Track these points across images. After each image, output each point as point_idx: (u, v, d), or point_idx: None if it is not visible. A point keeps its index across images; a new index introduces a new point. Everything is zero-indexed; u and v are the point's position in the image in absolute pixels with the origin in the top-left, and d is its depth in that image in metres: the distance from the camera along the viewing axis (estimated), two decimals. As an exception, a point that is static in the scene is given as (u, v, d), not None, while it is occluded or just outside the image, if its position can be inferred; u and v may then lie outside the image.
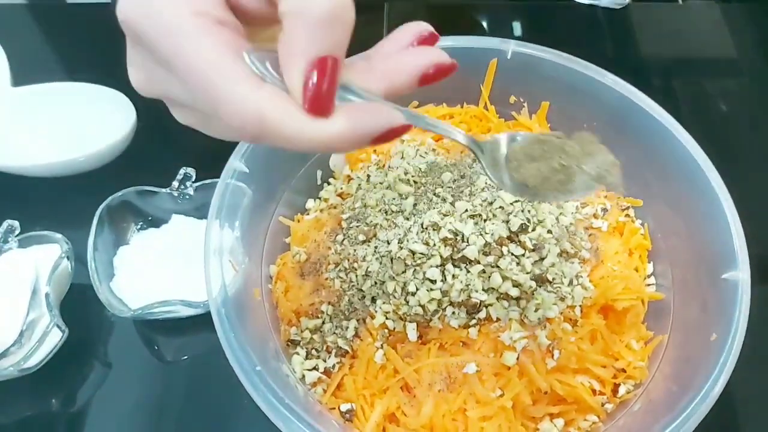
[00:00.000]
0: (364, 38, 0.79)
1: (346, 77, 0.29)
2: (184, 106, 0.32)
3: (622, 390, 0.50)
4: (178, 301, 0.54)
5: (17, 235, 0.59)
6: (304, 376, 0.50)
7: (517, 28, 0.87)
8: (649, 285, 0.55)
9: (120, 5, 0.28)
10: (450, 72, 0.31)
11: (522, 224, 0.50)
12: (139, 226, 0.62)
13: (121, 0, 0.28)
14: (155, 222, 0.62)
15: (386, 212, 0.54)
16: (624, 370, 0.50)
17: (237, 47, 0.27)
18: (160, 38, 0.27)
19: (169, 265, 0.59)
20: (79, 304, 0.59)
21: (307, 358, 0.51)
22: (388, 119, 0.28)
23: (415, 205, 0.54)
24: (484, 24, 0.87)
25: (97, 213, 0.58)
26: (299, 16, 0.26)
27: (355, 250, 0.53)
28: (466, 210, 0.52)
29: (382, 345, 0.49)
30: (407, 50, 0.31)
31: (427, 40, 0.32)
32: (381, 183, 0.56)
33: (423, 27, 0.32)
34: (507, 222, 0.51)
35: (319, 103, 0.27)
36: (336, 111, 0.28)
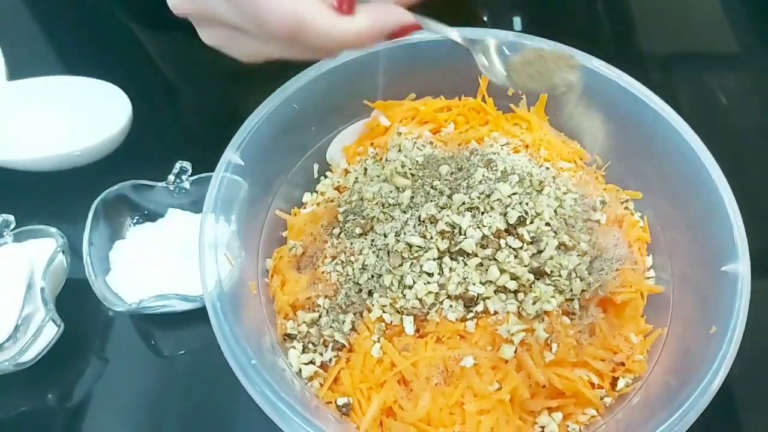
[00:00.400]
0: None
1: None
2: (218, 22, 0.36)
3: (620, 383, 0.49)
4: (174, 296, 0.54)
5: (12, 230, 0.58)
6: (300, 370, 0.50)
7: (516, 21, 0.86)
8: (648, 278, 0.55)
9: None
10: None
11: (520, 217, 0.50)
12: (135, 220, 0.62)
13: None
14: (151, 216, 0.62)
15: (383, 205, 0.53)
16: (623, 364, 0.50)
17: None
18: None
19: (165, 259, 0.59)
20: (75, 299, 0.58)
21: (303, 351, 0.50)
22: (401, 17, 0.34)
23: (412, 198, 0.53)
24: (484, 15, 0.87)
25: (93, 207, 0.58)
26: None
27: (351, 244, 0.52)
28: (464, 203, 0.51)
29: (379, 338, 0.49)
30: None
31: None
32: (378, 176, 0.56)
33: None
34: (505, 214, 0.51)
35: (347, 3, 0.32)
36: (358, 11, 0.33)
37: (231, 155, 0.51)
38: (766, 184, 0.69)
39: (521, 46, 0.56)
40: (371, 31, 0.33)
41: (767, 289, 0.50)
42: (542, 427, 0.48)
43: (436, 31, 0.40)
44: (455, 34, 0.41)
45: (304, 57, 0.36)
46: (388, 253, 0.50)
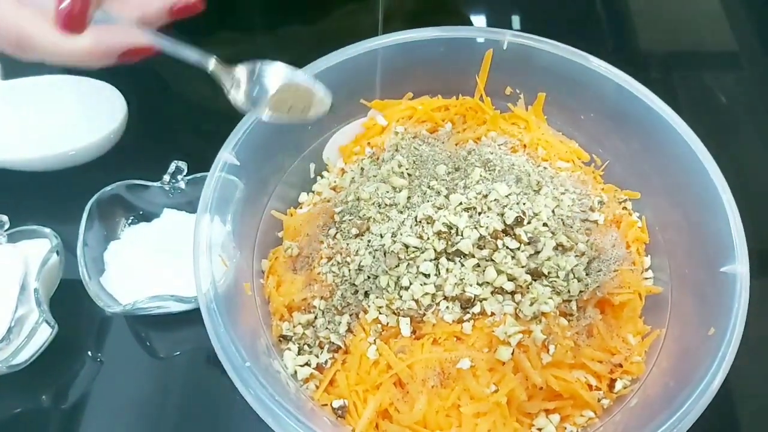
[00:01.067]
0: (358, 28, 0.78)
1: (107, 4, 0.35)
2: None
3: (618, 385, 0.49)
4: (169, 297, 0.53)
5: (6, 230, 0.58)
6: (296, 372, 0.49)
7: (515, 19, 0.86)
8: (646, 279, 0.55)
9: None
10: (194, 10, 0.38)
11: (517, 217, 0.50)
12: (129, 221, 0.61)
13: None
14: (146, 216, 0.61)
15: (379, 205, 0.53)
16: (621, 365, 0.49)
17: None
18: None
19: (160, 260, 0.58)
20: (70, 300, 0.58)
21: (299, 353, 0.50)
22: (131, 38, 0.35)
23: (408, 198, 0.53)
24: (482, 14, 0.86)
25: (87, 207, 0.57)
26: None
27: (348, 244, 0.52)
28: (461, 203, 0.51)
29: (375, 340, 0.48)
30: None
31: None
32: (375, 176, 0.55)
33: None
34: (502, 215, 0.50)
35: (69, 22, 0.33)
36: (88, 30, 0.33)
37: (226, 155, 0.51)
38: (765, 185, 0.68)
39: (522, 47, 0.56)
40: (96, 51, 0.34)
41: (766, 290, 0.50)
42: (539, 430, 0.47)
43: (181, 55, 0.39)
44: (211, 62, 0.41)
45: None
46: (385, 253, 0.50)
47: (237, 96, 0.44)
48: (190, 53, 0.40)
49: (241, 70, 0.44)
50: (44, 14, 0.33)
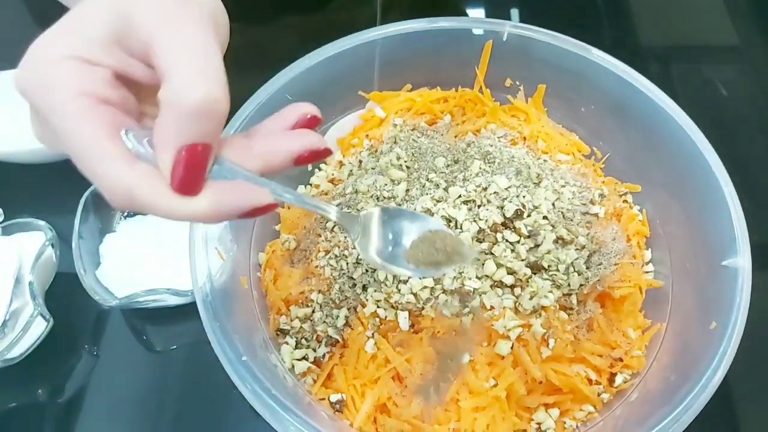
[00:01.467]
0: (356, 19, 0.77)
1: (225, 153, 0.31)
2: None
3: (618, 379, 0.48)
4: (165, 290, 0.53)
5: (0, 223, 0.57)
6: (293, 366, 0.49)
7: (514, 13, 0.85)
8: (647, 272, 0.54)
9: (19, 75, 0.29)
10: (324, 156, 0.34)
11: (517, 210, 0.49)
12: (125, 214, 0.61)
13: (22, 68, 0.29)
14: None
15: (378, 198, 0.52)
16: (621, 360, 0.49)
17: (116, 125, 0.29)
18: (48, 115, 0.29)
19: (156, 253, 0.58)
20: (66, 293, 0.57)
21: (296, 347, 0.50)
22: (253, 199, 0.30)
23: (407, 191, 0.52)
24: (481, 8, 0.86)
25: (82, 199, 0.57)
26: (172, 106, 0.28)
27: (345, 237, 0.51)
28: (460, 196, 0.50)
29: (373, 334, 0.48)
30: (286, 133, 0.33)
31: (309, 123, 0.34)
32: (373, 168, 0.55)
33: (306, 109, 0.34)
34: (502, 208, 0.50)
35: (185, 185, 0.29)
36: (205, 188, 0.30)
37: (222, 147, 0.50)
38: (766, 180, 0.68)
39: (522, 38, 0.55)
40: (215, 213, 0.30)
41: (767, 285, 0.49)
42: (539, 424, 0.47)
43: (306, 206, 0.36)
44: (333, 213, 0.38)
45: None
46: (383, 247, 0.49)
47: (368, 251, 0.40)
48: (314, 204, 0.37)
49: (367, 217, 0.40)
50: (159, 175, 0.29)
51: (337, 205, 0.54)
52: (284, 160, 0.33)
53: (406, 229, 0.41)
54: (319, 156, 0.34)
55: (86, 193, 0.57)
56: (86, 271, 0.55)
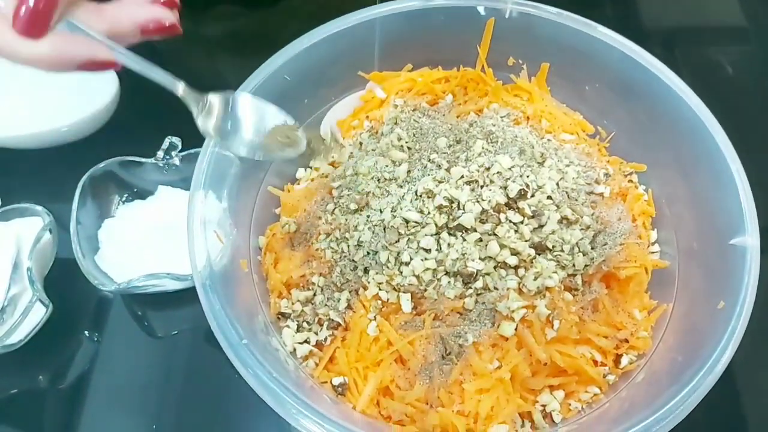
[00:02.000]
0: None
1: (77, 13, 0.35)
2: None
3: (624, 361, 0.48)
4: (165, 275, 0.52)
5: (-3, 208, 0.57)
6: (295, 349, 0.48)
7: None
8: (652, 252, 0.53)
9: None
10: (169, 32, 0.37)
11: (521, 190, 0.48)
12: (124, 198, 0.60)
13: None
14: (141, 194, 0.60)
15: (379, 180, 0.51)
16: (626, 341, 0.48)
17: None
18: None
19: (155, 237, 0.57)
20: (65, 279, 0.57)
21: (298, 331, 0.49)
22: (91, 51, 0.35)
23: (408, 172, 0.51)
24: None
25: (80, 185, 0.56)
26: None
27: (346, 220, 0.50)
28: (462, 176, 0.49)
29: (375, 317, 0.47)
30: (137, 3, 0.37)
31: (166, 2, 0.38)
32: (373, 150, 0.54)
33: None
34: (505, 188, 0.49)
35: (27, 27, 0.32)
36: (48, 36, 0.33)
37: (220, 129, 0.49)
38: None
39: (525, 16, 0.54)
40: (54, 58, 0.33)
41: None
42: (543, 406, 0.47)
43: (149, 75, 0.38)
44: (180, 87, 0.40)
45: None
46: (384, 229, 0.48)
47: (207, 124, 0.42)
48: (157, 74, 0.38)
49: (214, 99, 0.42)
50: (4, 16, 0.33)
51: (337, 187, 0.53)
52: (129, 27, 0.36)
53: (263, 121, 0.45)
54: (163, 30, 0.37)
55: (83, 179, 0.56)
56: (85, 256, 0.54)
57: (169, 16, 0.38)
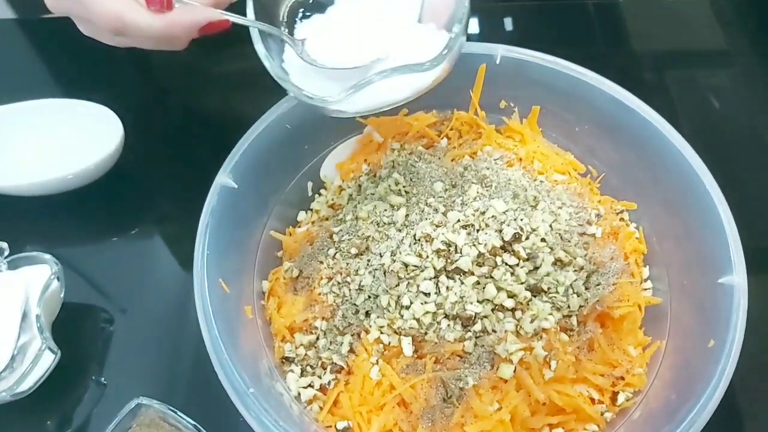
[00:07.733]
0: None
1: None
2: (81, 18, 0.46)
3: (621, 398, 0.49)
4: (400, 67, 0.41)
5: (6, 257, 0.58)
6: (299, 393, 0.49)
7: (508, 23, 0.86)
8: (645, 289, 0.55)
9: None
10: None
11: (515, 233, 0.50)
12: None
13: None
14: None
15: (378, 224, 0.53)
16: (622, 378, 0.50)
17: None
18: None
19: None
20: (72, 323, 0.58)
21: (302, 375, 0.50)
22: (208, 14, 0.43)
23: (407, 216, 0.53)
24: (476, 25, 0.86)
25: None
26: None
27: (347, 264, 0.52)
28: (459, 220, 0.51)
29: (377, 360, 0.49)
30: None
31: None
32: (372, 194, 0.56)
33: None
34: (500, 231, 0.50)
35: (158, 3, 0.41)
36: (173, 10, 0.42)
37: (223, 178, 0.51)
38: (758, 184, 0.68)
39: (515, 61, 0.56)
40: (180, 23, 0.42)
41: (763, 291, 0.50)
42: (543, 444, 0.48)
43: (254, 26, 0.44)
44: (265, 27, 0.44)
45: (138, 45, 0.45)
46: (385, 273, 0.50)
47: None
48: (263, 26, 0.44)
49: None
50: (137, 2, 0.42)
51: (337, 232, 0.54)
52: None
53: None
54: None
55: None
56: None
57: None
